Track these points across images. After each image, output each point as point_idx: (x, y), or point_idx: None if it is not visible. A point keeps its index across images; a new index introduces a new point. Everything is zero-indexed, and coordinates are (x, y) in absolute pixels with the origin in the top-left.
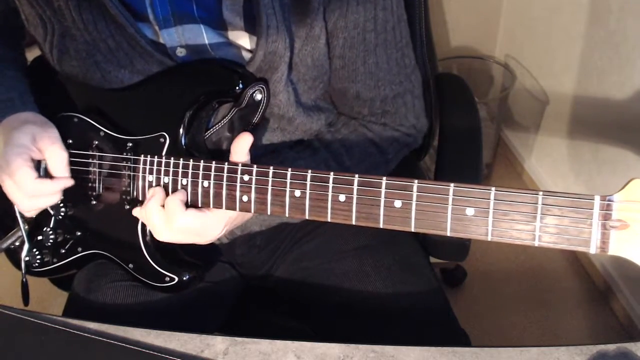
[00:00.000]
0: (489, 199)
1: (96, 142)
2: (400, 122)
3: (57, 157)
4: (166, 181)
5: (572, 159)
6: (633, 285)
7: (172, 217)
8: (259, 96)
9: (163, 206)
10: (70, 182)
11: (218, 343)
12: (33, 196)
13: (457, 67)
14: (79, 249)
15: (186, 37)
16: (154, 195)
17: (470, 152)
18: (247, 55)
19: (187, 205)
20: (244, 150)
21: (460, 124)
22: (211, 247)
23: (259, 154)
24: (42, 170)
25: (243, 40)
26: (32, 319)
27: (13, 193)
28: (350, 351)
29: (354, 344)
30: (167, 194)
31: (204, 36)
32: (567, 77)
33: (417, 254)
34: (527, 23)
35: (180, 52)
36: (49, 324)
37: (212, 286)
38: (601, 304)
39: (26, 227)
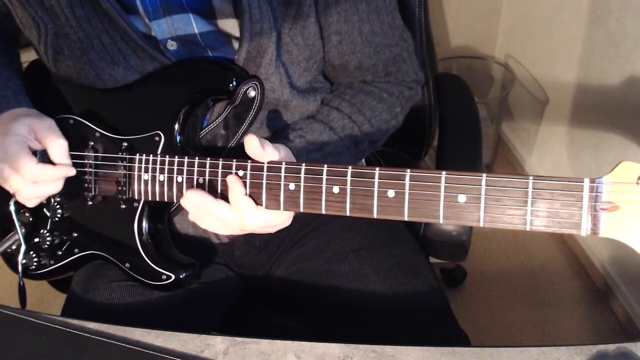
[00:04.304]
0: (480, 186)
1: (92, 143)
2: (403, 78)
3: (56, 144)
4: (162, 179)
5: (572, 159)
6: (633, 285)
7: (244, 217)
8: (252, 93)
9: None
10: (72, 171)
11: (218, 343)
12: (34, 182)
13: (457, 67)
14: (76, 250)
15: (176, 27)
16: (237, 186)
17: (470, 152)
18: (237, 45)
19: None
20: (256, 153)
21: (460, 124)
22: (208, 246)
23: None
24: (39, 158)
25: (233, 28)
26: (31, 319)
27: (13, 180)
28: (350, 351)
29: (354, 344)
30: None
31: (194, 25)
32: (567, 77)
33: (417, 254)
34: (527, 23)
35: (172, 46)
36: (48, 324)
37: (208, 286)
38: (601, 304)
39: (23, 230)
